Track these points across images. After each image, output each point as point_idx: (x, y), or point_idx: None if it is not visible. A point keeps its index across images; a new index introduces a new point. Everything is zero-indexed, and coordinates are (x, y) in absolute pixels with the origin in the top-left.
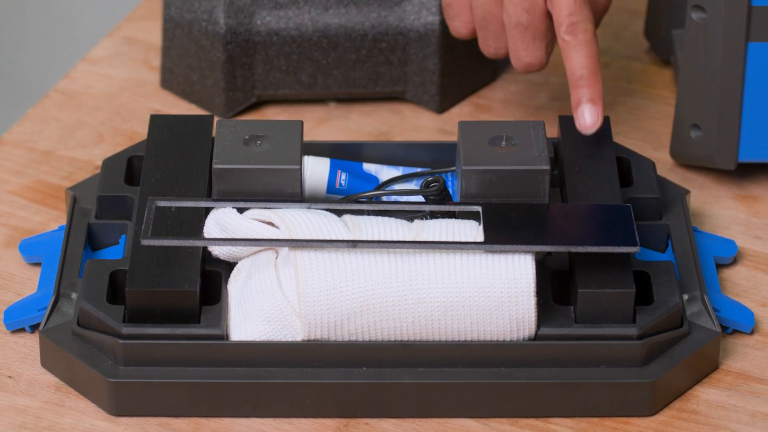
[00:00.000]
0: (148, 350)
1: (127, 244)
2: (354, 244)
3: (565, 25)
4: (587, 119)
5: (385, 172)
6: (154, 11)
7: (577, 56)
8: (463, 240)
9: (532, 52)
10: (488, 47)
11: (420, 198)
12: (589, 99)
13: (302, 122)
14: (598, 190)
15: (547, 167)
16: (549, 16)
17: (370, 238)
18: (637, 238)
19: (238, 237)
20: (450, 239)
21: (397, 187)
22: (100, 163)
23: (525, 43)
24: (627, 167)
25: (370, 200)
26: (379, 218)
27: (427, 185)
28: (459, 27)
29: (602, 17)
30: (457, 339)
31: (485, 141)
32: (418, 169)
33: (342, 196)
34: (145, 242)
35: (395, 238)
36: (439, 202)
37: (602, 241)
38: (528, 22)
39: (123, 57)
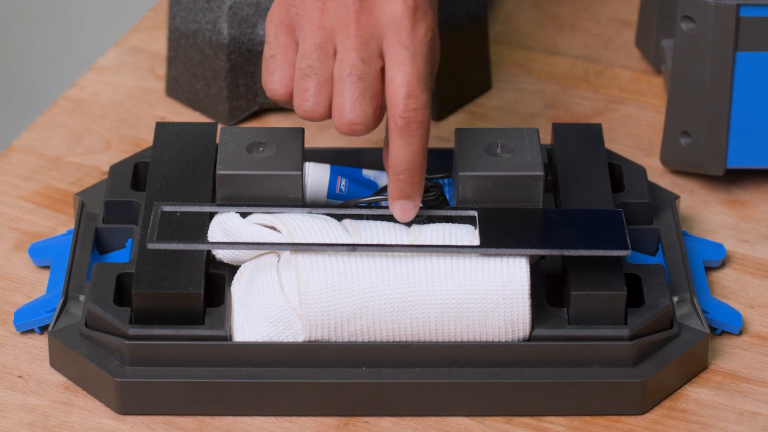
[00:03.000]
0: (153, 351)
1: (134, 247)
2: (354, 247)
3: (400, 106)
4: (400, 215)
5: (384, 178)
6: (159, 22)
7: (404, 148)
8: (459, 244)
9: (360, 108)
10: (305, 101)
11: None
12: (405, 196)
13: (303, 129)
14: (591, 196)
15: (541, 173)
16: (383, 79)
17: (369, 242)
18: (629, 242)
19: (241, 241)
20: (447, 243)
21: None
22: (107, 169)
23: (353, 98)
24: (619, 173)
25: (370, 205)
26: (378, 222)
27: (425, 190)
28: (276, 84)
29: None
30: (453, 340)
31: (481, 148)
32: None
33: (342, 201)
34: (150, 246)
35: (394, 242)
36: (436, 206)
37: (594, 245)
38: (362, 74)
39: (129, 66)
